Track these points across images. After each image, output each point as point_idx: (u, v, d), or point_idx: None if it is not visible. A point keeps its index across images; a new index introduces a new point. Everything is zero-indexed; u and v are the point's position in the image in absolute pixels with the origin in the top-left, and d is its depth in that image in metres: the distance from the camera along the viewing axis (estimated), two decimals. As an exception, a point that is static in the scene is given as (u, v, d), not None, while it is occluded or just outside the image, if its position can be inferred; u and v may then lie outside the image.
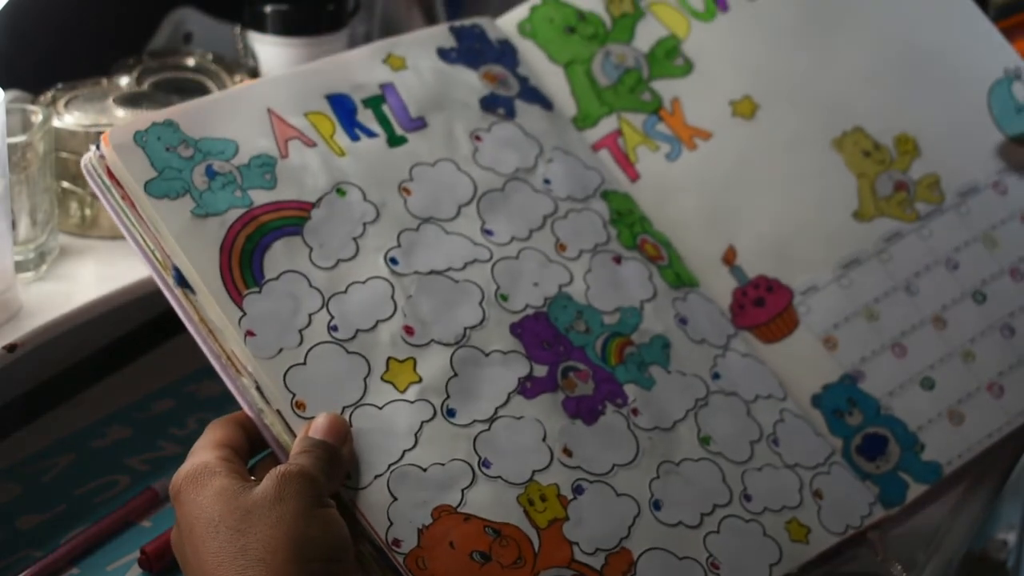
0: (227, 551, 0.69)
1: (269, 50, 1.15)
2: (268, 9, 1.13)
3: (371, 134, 0.86)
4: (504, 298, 0.83)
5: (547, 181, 0.88)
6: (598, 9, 0.96)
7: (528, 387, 0.80)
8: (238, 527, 0.69)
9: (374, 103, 0.87)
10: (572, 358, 0.82)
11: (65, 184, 1.04)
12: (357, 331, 0.79)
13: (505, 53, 0.93)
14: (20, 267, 0.99)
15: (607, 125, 0.93)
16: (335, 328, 0.78)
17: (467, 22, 0.94)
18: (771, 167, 0.93)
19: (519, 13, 0.96)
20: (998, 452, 0.92)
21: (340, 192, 0.82)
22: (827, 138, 0.95)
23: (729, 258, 0.91)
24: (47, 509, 0.92)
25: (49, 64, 1.11)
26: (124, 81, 1.12)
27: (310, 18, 1.14)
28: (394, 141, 0.86)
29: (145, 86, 1.11)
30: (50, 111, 1.04)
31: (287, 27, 1.14)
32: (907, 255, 0.93)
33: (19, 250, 0.99)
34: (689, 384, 0.85)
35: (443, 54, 0.91)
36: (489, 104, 0.90)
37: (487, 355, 0.81)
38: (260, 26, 1.15)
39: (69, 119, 1.05)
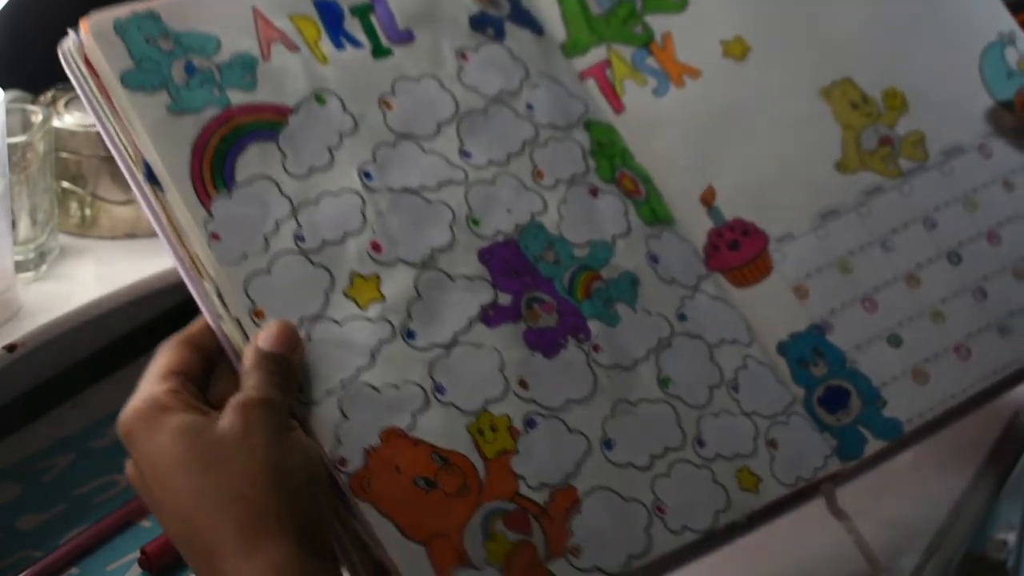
0: (201, 490, 0.68)
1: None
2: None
3: (356, 44, 0.84)
4: (475, 222, 0.82)
5: (530, 106, 0.87)
6: None
7: (490, 315, 0.79)
8: (208, 465, 0.68)
9: (362, 12, 0.85)
10: (538, 289, 0.82)
11: (65, 184, 1.05)
12: (324, 242, 0.78)
13: None
14: (20, 267, 1.00)
15: (596, 55, 0.91)
16: (302, 238, 0.77)
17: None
18: (757, 111, 0.92)
19: None
20: (998, 452, 0.91)
21: (319, 100, 0.81)
22: (816, 86, 0.94)
23: (708, 198, 0.90)
24: (47, 509, 0.92)
25: (49, 64, 1.05)
26: None
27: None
28: (379, 52, 0.85)
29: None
30: (50, 111, 1.04)
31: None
32: (886, 211, 0.92)
33: (19, 250, 1.00)
34: (654, 323, 0.84)
35: None
36: (478, 23, 0.88)
37: (452, 279, 0.80)
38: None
39: (69, 119, 1.05)
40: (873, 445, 0.87)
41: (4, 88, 0.95)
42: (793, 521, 0.84)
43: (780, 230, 0.90)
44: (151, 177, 0.77)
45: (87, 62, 0.78)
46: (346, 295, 0.77)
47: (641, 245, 0.86)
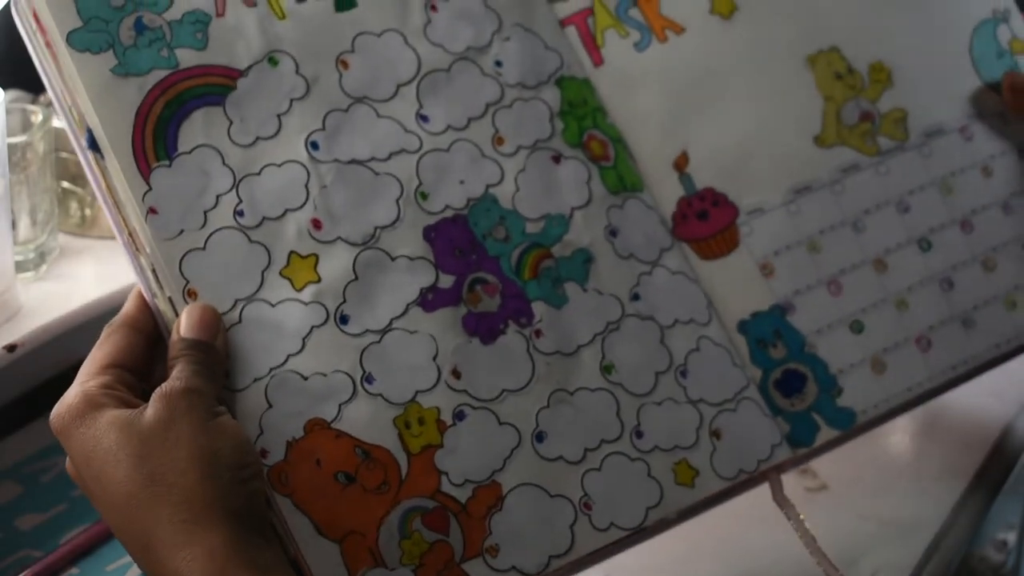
0: (134, 480, 0.68)
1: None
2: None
3: (319, -6, 0.81)
4: (424, 196, 0.80)
5: (498, 63, 0.84)
6: None
7: (429, 299, 0.78)
8: (139, 453, 0.68)
9: (327, -44, 0.82)
10: (483, 268, 0.80)
11: (65, 184, 1.04)
12: (264, 219, 0.76)
13: None
14: (20, 267, 0.99)
15: (579, 1, 0.88)
16: (241, 213, 0.76)
17: None
18: (740, 74, 0.89)
19: None
20: (998, 452, 0.90)
21: (272, 61, 0.79)
22: (802, 53, 0.90)
23: (680, 164, 0.87)
24: (47, 509, 0.92)
25: None
26: None
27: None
28: (342, 4, 0.81)
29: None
30: (50, 111, 1.02)
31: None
32: (860, 190, 0.89)
33: (19, 250, 0.99)
34: (604, 304, 0.82)
35: None
36: None
37: (393, 259, 0.78)
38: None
39: None
40: (825, 434, 0.85)
41: (4, 88, 0.94)
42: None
43: (751, 203, 0.87)
44: (93, 144, 0.75)
45: (36, 18, 0.76)
46: (282, 275, 0.76)
47: (601, 217, 0.84)
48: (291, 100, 0.79)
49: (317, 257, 0.77)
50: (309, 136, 0.78)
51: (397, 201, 0.79)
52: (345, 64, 0.80)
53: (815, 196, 0.88)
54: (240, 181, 0.76)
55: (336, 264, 0.77)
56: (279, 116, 0.78)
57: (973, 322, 0.89)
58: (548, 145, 0.84)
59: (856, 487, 0.98)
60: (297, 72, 0.79)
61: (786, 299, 0.87)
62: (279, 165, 0.77)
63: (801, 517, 0.83)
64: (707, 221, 0.87)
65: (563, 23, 0.87)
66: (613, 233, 0.84)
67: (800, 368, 0.86)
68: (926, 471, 1.00)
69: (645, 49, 0.88)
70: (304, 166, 0.78)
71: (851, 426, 0.86)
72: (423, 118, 0.81)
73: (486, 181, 0.81)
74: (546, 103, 0.85)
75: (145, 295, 0.75)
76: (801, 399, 0.85)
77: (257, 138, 0.77)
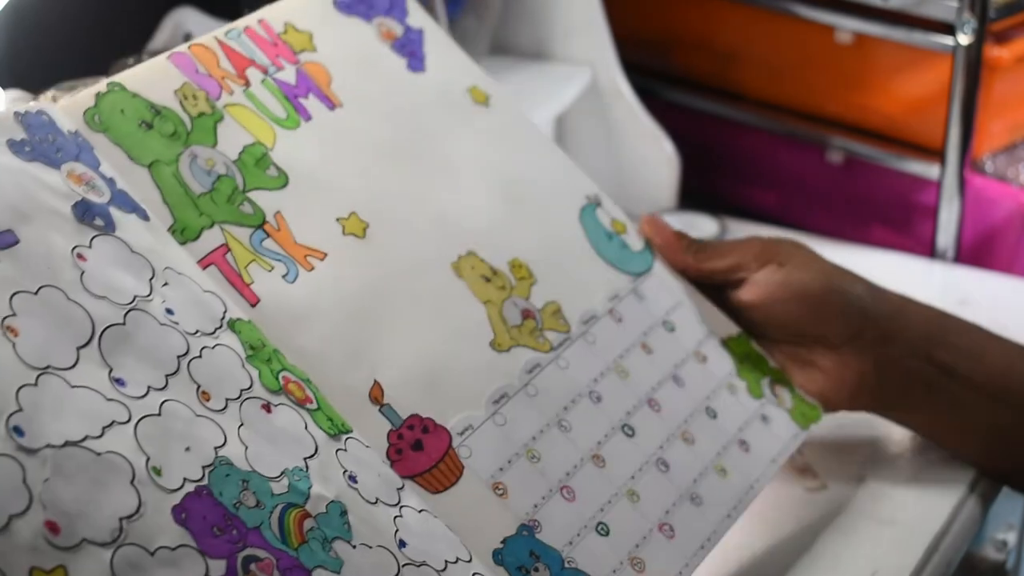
0: None
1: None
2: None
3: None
4: (158, 472, 0.64)
5: (169, 311, 0.70)
6: (173, 105, 0.79)
7: None
8: None
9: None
10: (249, 544, 0.65)
11: None
12: None
13: (83, 148, 0.74)
14: None
15: (211, 239, 0.76)
16: None
17: (32, 107, 0.73)
18: (399, 291, 0.81)
19: (84, 99, 0.77)
20: None
21: None
22: (446, 261, 0.84)
23: (376, 396, 0.76)
24: None
25: (49, 64, 1.12)
26: None
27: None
28: None
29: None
30: None
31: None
32: (551, 387, 0.83)
33: None
34: (378, 559, 0.70)
35: (15, 148, 0.71)
36: (83, 213, 0.71)
37: (153, 554, 0.62)
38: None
39: None
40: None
41: (4, 88, 0.93)
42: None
43: (459, 422, 0.78)
44: None
45: None
46: None
47: (335, 464, 0.72)
48: None
49: (65, 569, 0.60)
50: (9, 419, 0.61)
51: (132, 483, 0.63)
52: (13, 331, 0.64)
53: (514, 403, 0.81)
54: None
55: (90, 573, 0.60)
56: None
57: (699, 497, 0.83)
58: (252, 394, 0.71)
59: (856, 487, 0.96)
60: None
61: (528, 517, 0.77)
62: None
63: None
64: (424, 451, 0.76)
65: (201, 264, 0.75)
66: (353, 479, 0.72)
67: (568, 587, 0.76)
68: (926, 471, 0.98)
69: (295, 280, 0.77)
70: (14, 459, 0.61)
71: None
72: (119, 382, 0.66)
73: (212, 443, 0.67)
74: (231, 348, 0.71)
75: None
76: (579, 620, 0.75)
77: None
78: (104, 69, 1.05)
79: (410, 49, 0.92)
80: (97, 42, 1.16)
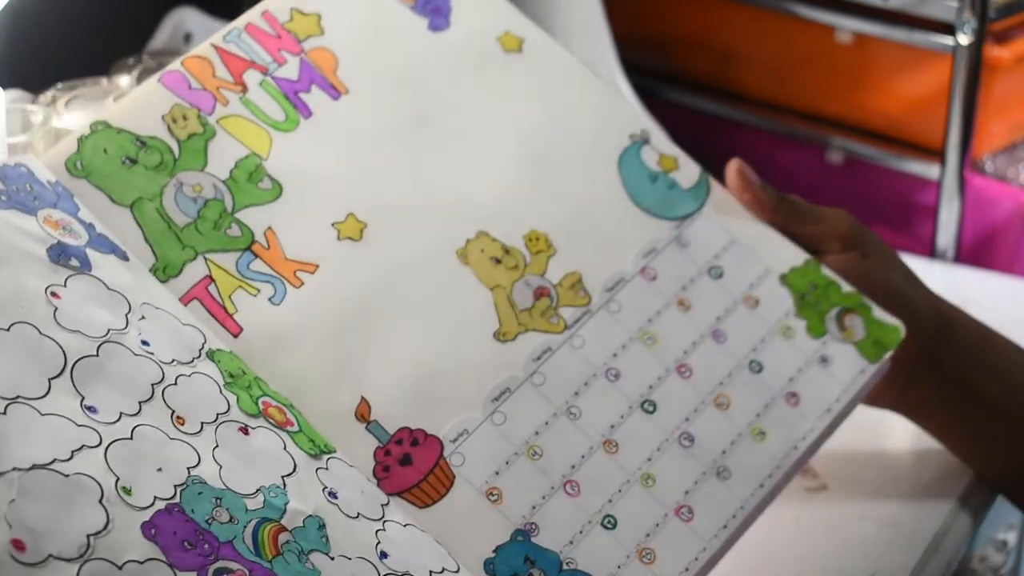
0: None
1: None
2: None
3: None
4: (127, 491, 0.65)
5: (145, 343, 0.71)
6: (161, 133, 0.80)
7: None
8: None
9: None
10: (222, 556, 0.66)
11: None
12: None
13: (61, 196, 0.76)
14: None
15: (194, 272, 0.77)
16: None
17: (11, 161, 0.75)
18: (394, 295, 0.80)
19: (66, 146, 0.78)
20: None
21: None
22: (451, 250, 0.82)
23: (363, 413, 0.76)
24: None
25: (49, 64, 1.13)
26: (124, 81, 1.11)
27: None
28: None
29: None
30: (50, 111, 1.04)
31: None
32: (562, 372, 0.81)
33: None
34: (357, 569, 0.70)
35: None
36: (59, 255, 0.72)
37: (121, 567, 0.63)
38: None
39: (69, 119, 1.04)
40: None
41: (4, 88, 0.91)
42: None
43: (453, 428, 0.77)
44: None
45: None
46: None
47: (314, 482, 0.72)
48: None
49: None
50: None
51: (100, 502, 0.64)
52: None
53: (517, 397, 0.79)
54: None
55: None
56: None
57: (727, 470, 0.80)
58: (230, 418, 0.72)
59: (856, 487, 0.97)
60: None
61: (525, 521, 0.76)
62: None
63: None
64: (413, 465, 0.76)
65: (183, 300, 0.76)
66: (333, 495, 0.72)
67: (568, 590, 0.75)
68: (926, 471, 0.98)
69: (282, 302, 0.78)
70: None
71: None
72: (90, 409, 0.67)
73: (185, 464, 0.68)
74: (209, 376, 0.72)
75: None
76: (578, 622, 0.75)
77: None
78: (104, 69, 1.10)
79: (433, 6, 0.90)
80: (97, 42, 1.18)
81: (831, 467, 0.96)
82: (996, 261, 1.29)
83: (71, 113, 1.04)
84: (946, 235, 1.29)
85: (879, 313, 0.87)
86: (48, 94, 1.07)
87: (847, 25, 1.32)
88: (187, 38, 1.20)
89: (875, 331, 0.87)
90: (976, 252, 1.30)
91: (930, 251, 1.31)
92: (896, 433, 0.99)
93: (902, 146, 1.33)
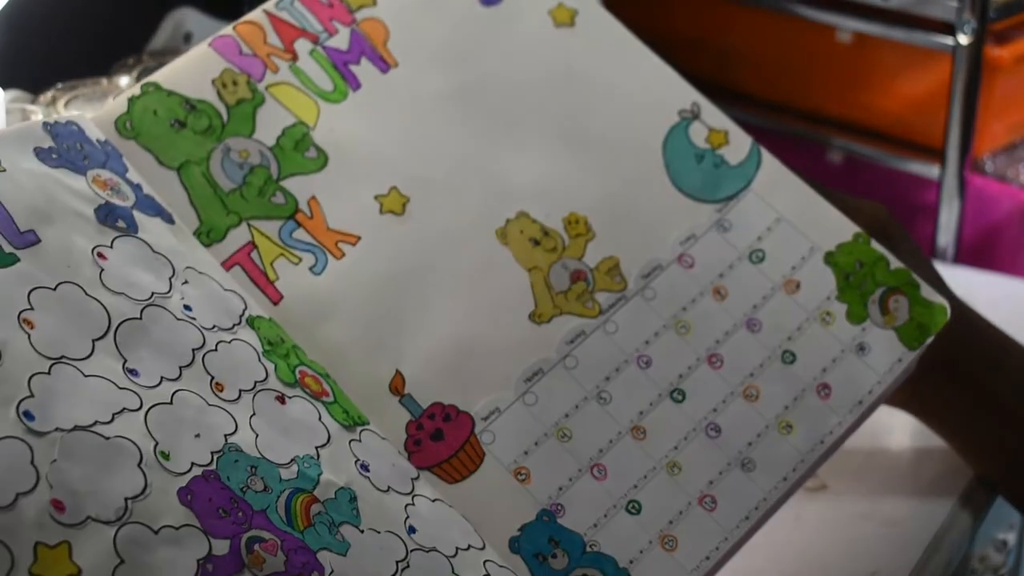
0: None
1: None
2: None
3: (-27, 254, 0.68)
4: (165, 456, 0.67)
5: (187, 307, 0.73)
6: (210, 97, 0.81)
7: (209, 570, 0.64)
8: None
9: (-27, 219, 0.69)
10: (255, 525, 0.67)
11: None
12: None
13: (111, 156, 0.77)
14: None
15: (237, 238, 0.78)
16: None
17: (62, 118, 0.76)
18: (433, 271, 0.81)
19: (116, 106, 0.79)
20: None
21: None
22: (491, 229, 0.83)
23: (397, 386, 0.77)
24: None
25: (49, 64, 1.13)
26: (124, 81, 1.11)
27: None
28: (3, 261, 0.69)
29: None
30: (50, 111, 1.04)
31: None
32: (594, 357, 0.81)
33: None
34: (386, 543, 0.71)
35: (41, 155, 0.74)
36: (106, 215, 0.73)
37: (156, 532, 0.64)
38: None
39: None
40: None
41: (4, 88, 0.93)
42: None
43: (485, 406, 0.78)
44: None
45: None
46: (32, 574, 0.60)
47: (347, 453, 0.73)
48: None
49: (70, 545, 0.62)
50: (19, 405, 0.64)
51: (139, 466, 0.66)
52: (29, 323, 0.67)
53: (549, 379, 0.79)
54: None
55: (94, 548, 0.62)
56: None
57: (752, 462, 0.81)
58: (267, 386, 0.73)
59: (856, 487, 0.97)
60: None
61: (551, 501, 0.77)
62: None
63: None
64: (444, 441, 0.76)
65: (225, 265, 0.77)
66: (365, 468, 0.73)
67: (588, 572, 0.76)
68: (926, 471, 0.98)
69: (323, 271, 0.78)
70: (23, 441, 0.63)
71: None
72: (132, 372, 0.69)
73: (223, 431, 0.69)
74: (248, 343, 0.74)
75: None
76: (598, 606, 0.76)
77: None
78: (104, 69, 1.10)
79: None
80: (97, 42, 1.18)
81: (831, 467, 0.93)
82: (996, 261, 1.30)
83: (71, 113, 1.00)
84: (946, 235, 1.30)
85: (927, 292, 0.86)
86: (48, 94, 1.08)
87: (847, 25, 1.32)
88: (187, 38, 1.21)
89: (919, 313, 0.85)
90: (976, 252, 1.31)
91: (930, 251, 1.32)
92: (896, 433, 0.99)
93: (902, 146, 1.34)
